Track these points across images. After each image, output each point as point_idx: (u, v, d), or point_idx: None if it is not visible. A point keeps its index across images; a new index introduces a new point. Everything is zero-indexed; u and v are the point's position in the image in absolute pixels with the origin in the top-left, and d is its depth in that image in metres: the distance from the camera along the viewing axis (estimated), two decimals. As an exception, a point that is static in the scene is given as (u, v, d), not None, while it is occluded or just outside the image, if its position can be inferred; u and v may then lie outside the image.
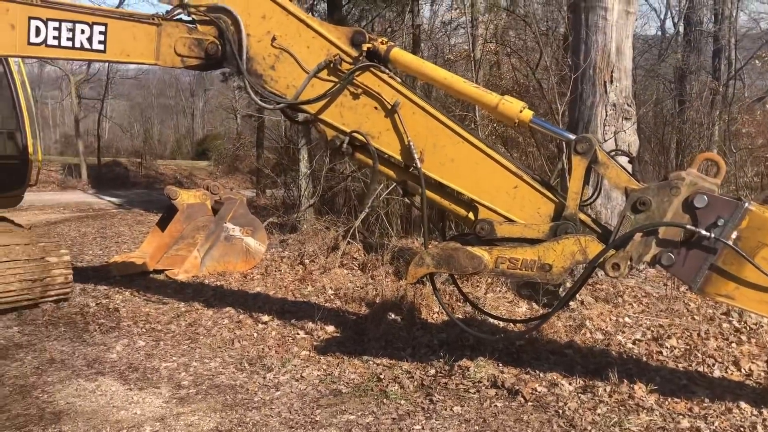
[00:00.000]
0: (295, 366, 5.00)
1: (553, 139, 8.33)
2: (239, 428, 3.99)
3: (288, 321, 6.04)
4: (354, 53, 4.32)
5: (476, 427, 3.94)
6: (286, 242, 9.68)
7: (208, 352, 5.35)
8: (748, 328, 5.53)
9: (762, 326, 5.52)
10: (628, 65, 6.42)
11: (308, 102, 4.38)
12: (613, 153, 4.22)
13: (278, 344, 5.52)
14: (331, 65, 4.32)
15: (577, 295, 6.02)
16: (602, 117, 6.34)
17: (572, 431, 3.90)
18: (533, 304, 6.26)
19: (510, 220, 4.15)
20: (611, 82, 6.25)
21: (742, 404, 4.15)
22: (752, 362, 4.85)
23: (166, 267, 7.93)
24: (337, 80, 4.34)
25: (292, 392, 4.54)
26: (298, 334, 5.73)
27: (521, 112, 4.06)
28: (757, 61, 15.32)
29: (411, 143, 4.27)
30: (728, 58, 16.56)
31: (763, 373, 4.69)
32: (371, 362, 5.03)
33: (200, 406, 4.30)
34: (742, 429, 3.90)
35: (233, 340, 5.61)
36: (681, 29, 19.61)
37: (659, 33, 24.17)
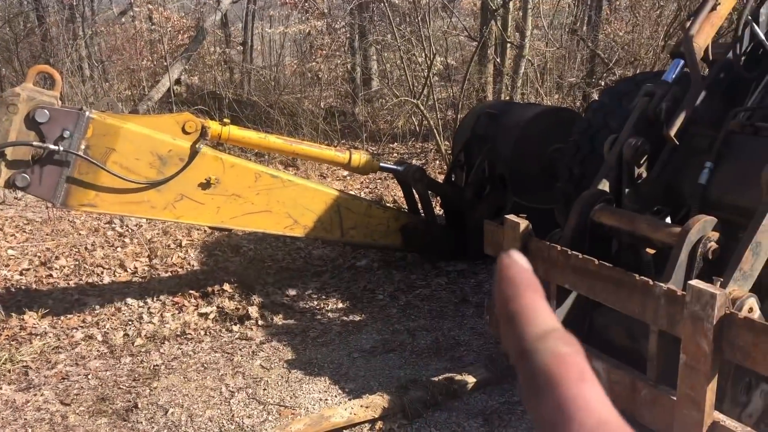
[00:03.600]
0: None
1: None
2: None
3: None
4: None
5: None
6: None
7: None
8: (130, 230, 5.91)
9: (142, 225, 5.98)
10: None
11: None
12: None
13: None
14: None
15: (-53, 240, 5.36)
16: (-69, 34, 5.52)
17: (-44, 386, 3.54)
18: None
19: None
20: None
21: (129, 300, 4.47)
22: (136, 260, 5.23)
23: None
24: None
25: None
26: None
27: None
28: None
29: None
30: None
31: (146, 267, 5.13)
32: None
33: None
34: (131, 322, 4.22)
35: None
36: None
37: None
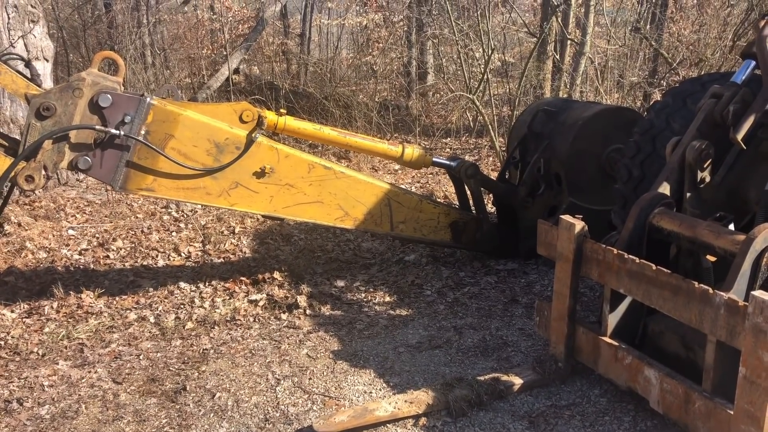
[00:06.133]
0: None
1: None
2: None
3: None
4: None
5: None
6: None
7: None
8: (185, 216, 6.03)
9: (197, 211, 6.09)
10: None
11: None
12: (5, 57, 3.85)
13: None
14: None
15: (13, 218, 5.57)
16: (5, 21, 5.73)
17: (17, 358, 3.68)
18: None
19: None
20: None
21: (182, 284, 4.56)
22: (190, 245, 5.34)
23: None
24: None
25: None
26: None
27: None
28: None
29: None
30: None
31: (199, 253, 5.22)
32: None
33: None
34: (182, 306, 4.30)
35: None
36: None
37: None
